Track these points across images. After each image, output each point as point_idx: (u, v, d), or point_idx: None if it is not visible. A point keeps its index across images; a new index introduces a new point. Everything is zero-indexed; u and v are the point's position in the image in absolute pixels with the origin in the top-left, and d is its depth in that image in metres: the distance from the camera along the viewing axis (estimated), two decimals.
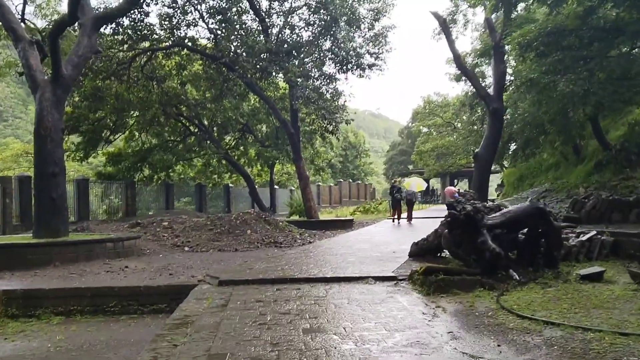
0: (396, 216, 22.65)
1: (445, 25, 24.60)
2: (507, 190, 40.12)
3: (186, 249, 13.81)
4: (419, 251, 10.50)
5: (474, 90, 33.77)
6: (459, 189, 54.92)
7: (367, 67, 22.49)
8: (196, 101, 24.48)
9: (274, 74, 21.51)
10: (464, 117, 40.38)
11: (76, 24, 14.70)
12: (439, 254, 10.35)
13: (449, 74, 36.76)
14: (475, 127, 39.00)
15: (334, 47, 21.26)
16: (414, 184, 25.16)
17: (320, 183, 44.33)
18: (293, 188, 40.43)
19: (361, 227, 20.95)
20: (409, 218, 22.87)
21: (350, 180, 54.61)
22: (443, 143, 41.92)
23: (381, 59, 22.34)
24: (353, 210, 33.29)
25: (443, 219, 9.99)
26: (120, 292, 8.45)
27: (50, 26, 14.53)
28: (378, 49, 22.39)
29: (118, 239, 11.99)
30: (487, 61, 33.65)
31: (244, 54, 19.84)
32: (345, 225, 20.47)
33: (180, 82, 23.01)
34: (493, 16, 27.39)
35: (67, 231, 12.69)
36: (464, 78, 37.75)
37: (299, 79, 19.49)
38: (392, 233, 16.90)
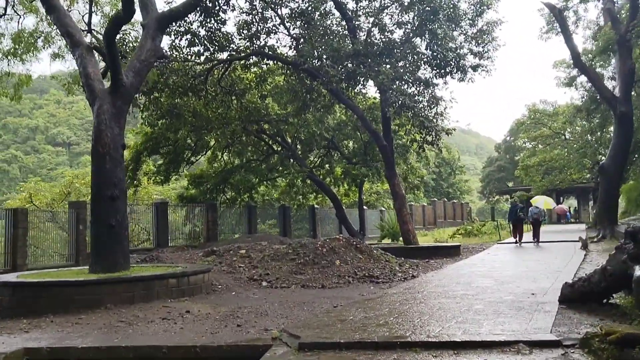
0: (517, 237, 21.19)
1: (561, 17, 21.28)
2: (628, 208, 35.24)
3: (264, 283, 11.53)
4: (576, 295, 7.55)
5: (593, 93, 29.85)
6: (570, 208, 50.07)
7: (470, 69, 19.55)
8: (278, 116, 22.55)
9: (361, 80, 19.08)
10: (578, 127, 36.07)
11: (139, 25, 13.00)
12: (605, 300, 7.39)
13: (558, 78, 32.90)
14: (591, 136, 34.65)
15: (430, 48, 18.54)
16: (541, 201, 23.03)
17: (413, 202, 41.29)
18: (383, 208, 37.68)
19: (470, 254, 17.91)
20: (536, 239, 21.22)
21: (445, 200, 51.03)
22: (552, 156, 37.65)
23: (487, 58, 19.30)
24: (452, 232, 30.05)
25: (615, 251, 7.06)
26: (170, 354, 6.23)
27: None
28: (483, 47, 19.39)
29: (182, 274, 9.89)
30: (601, 63, 29.64)
31: (328, 59, 17.58)
32: (451, 252, 17.53)
33: (260, 95, 21.15)
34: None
35: (128, 264, 10.80)
36: (576, 82, 33.87)
37: (392, 83, 16.93)
38: (515, 264, 13.83)
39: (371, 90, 25.47)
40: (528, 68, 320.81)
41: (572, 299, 7.60)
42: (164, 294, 9.42)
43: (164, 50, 13.86)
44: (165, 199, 22.43)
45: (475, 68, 19.56)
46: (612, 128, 33.06)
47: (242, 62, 19.87)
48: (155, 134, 22.19)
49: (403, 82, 18.31)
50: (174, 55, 18.07)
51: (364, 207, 33.60)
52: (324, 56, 17.48)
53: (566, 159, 36.79)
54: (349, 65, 18.13)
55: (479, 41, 19.39)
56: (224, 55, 19.14)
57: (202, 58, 18.68)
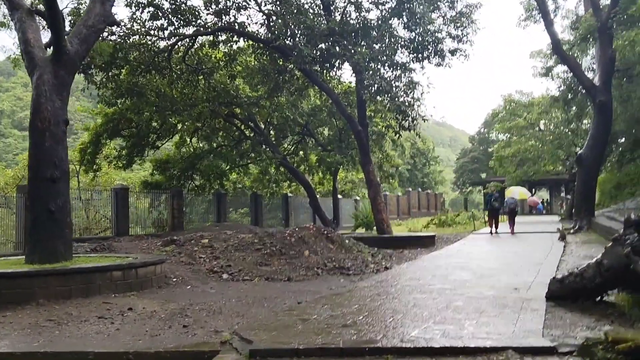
0: (494, 227, 21.25)
1: (542, 1, 20.56)
2: (602, 200, 35.01)
3: (224, 276, 10.56)
4: (566, 292, 6.76)
5: (570, 82, 29.36)
6: (542, 200, 50.03)
7: (448, 53, 18.77)
8: (249, 99, 21.43)
9: (337, 63, 18.15)
10: (553, 117, 35.66)
11: None
12: (599, 298, 6.61)
13: (535, 67, 32.34)
14: (566, 128, 34.30)
15: (408, 28, 17.69)
16: (517, 192, 22.91)
17: (387, 192, 40.61)
18: (358, 198, 36.91)
19: (445, 245, 17.17)
20: (512, 229, 21.19)
21: (420, 190, 50.52)
22: (526, 147, 37.23)
23: (466, 42, 18.54)
24: (426, 222, 29.39)
25: (612, 243, 6.27)
26: None
27: None
28: (461, 30, 18.60)
29: (129, 265, 8.85)
30: (577, 54, 29.14)
31: (302, 38, 16.58)
32: (426, 242, 16.75)
33: (229, 75, 19.99)
34: None
35: (71, 254, 9.72)
36: (552, 73, 33.39)
37: (368, 65, 16.03)
38: (494, 255, 13.09)
39: (346, 74, 24.55)
40: (502, 62, 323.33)
41: (561, 296, 6.82)
42: (107, 288, 8.38)
43: (120, 21, 12.65)
44: (125, 185, 21.18)
45: (453, 52, 18.82)
46: (587, 120, 32.81)
47: (211, 39, 18.69)
48: (117, 115, 20.89)
49: (379, 65, 17.45)
50: (135, 29, 16.83)
51: (339, 196, 32.76)
52: (297, 34, 16.46)
53: (540, 150, 36.38)
54: (324, 46, 17.22)
55: (458, 24, 18.59)
56: (190, 31, 17.93)
57: (166, 33, 17.46)
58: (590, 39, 22.76)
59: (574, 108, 29.32)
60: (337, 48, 16.68)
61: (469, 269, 10.55)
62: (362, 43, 17.20)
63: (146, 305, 7.65)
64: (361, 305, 6.92)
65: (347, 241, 13.32)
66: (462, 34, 18.53)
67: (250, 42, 18.97)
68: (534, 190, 59.10)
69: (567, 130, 34.28)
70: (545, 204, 56.59)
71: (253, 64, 20.13)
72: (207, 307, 7.45)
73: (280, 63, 18.59)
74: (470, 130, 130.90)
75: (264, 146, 24.12)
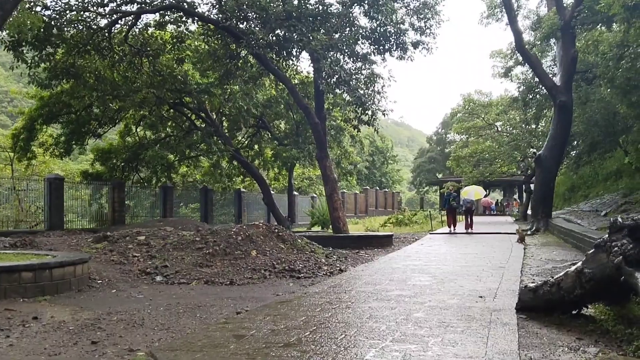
0: (452, 226, 21.51)
1: None
2: (556, 203, 35.13)
3: (158, 278, 9.42)
4: (539, 303, 5.95)
5: (530, 82, 29.15)
6: (497, 200, 50.34)
7: (410, 45, 18.03)
8: (199, 86, 20.15)
9: (293, 51, 17.15)
10: (513, 118, 35.56)
11: None
12: (576, 311, 5.83)
13: (496, 66, 32.15)
14: (524, 129, 34.24)
15: (369, 16, 16.87)
16: (472, 192, 23.71)
17: (345, 190, 39.88)
18: (315, 195, 36.03)
19: (403, 245, 16.41)
20: (469, 227, 21.56)
21: (377, 188, 50.00)
22: (483, 148, 37.07)
23: (429, 34, 17.83)
24: (384, 221, 28.72)
25: (594, 250, 5.50)
26: None
27: None
28: (425, 22, 17.88)
29: (42, 265, 7.62)
30: (538, 54, 29.01)
31: (255, 19, 15.49)
32: (383, 242, 15.94)
33: (176, 59, 18.68)
34: None
35: None
36: (511, 74, 33.25)
37: (326, 52, 15.08)
38: (453, 257, 12.32)
39: (304, 64, 23.54)
40: (461, 64, 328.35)
41: (534, 308, 6.02)
42: (15, 291, 7.15)
43: None
44: (59, 175, 19.59)
45: (416, 45, 18.11)
46: (543, 122, 32.81)
47: (157, 18, 17.34)
48: (53, 98, 19.29)
49: (339, 54, 16.55)
50: (72, 4, 15.38)
51: (295, 192, 31.79)
52: (251, 16, 15.36)
53: (497, 151, 36.29)
54: (280, 32, 16.20)
55: (421, 15, 17.87)
56: (134, 8, 16.53)
57: (107, 9, 16.04)
58: (552, 39, 22.47)
59: (533, 109, 29.14)
60: (295, 35, 15.69)
61: (429, 272, 9.73)
62: (321, 30, 16.25)
63: (56, 314, 6.47)
64: (309, 317, 5.95)
65: (299, 240, 12.32)
66: (425, 25, 17.84)
67: (201, 24, 17.67)
68: (488, 190, 59.55)
69: (524, 131, 34.23)
70: (499, 205, 57.08)
71: (203, 47, 18.88)
72: (127, 317, 6.33)
73: (233, 48, 17.45)
74: (427, 131, 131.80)
75: (215, 138, 22.91)
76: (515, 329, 5.33)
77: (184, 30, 18.64)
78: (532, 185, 38.22)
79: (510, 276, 9.05)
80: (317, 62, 15.55)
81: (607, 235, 5.32)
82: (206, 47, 18.71)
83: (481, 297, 7.16)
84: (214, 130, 22.60)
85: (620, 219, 5.25)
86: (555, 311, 5.82)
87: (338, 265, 10.98)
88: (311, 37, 15.04)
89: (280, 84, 20.81)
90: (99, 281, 8.85)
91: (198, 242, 11.15)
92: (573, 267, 5.64)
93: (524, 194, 47.36)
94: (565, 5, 21.00)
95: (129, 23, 17.23)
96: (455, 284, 8.27)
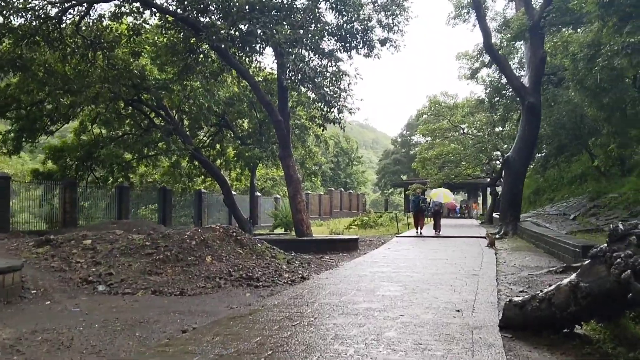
0: (419, 227, 21.43)
1: None
2: (521, 206, 35.22)
3: (100, 287, 8.49)
4: (526, 321, 5.31)
5: (497, 84, 28.97)
6: (462, 203, 50.28)
7: (377, 42, 17.42)
8: (157, 82, 19.11)
9: (257, 47, 16.34)
10: (479, 120, 35.41)
11: None
12: (568, 329, 5.18)
13: (462, 67, 31.92)
14: (490, 131, 34.13)
15: (335, 9, 16.19)
16: (441, 194, 23.21)
17: (309, 191, 39.17)
18: (279, 196, 35.19)
19: (369, 249, 15.74)
20: (437, 229, 21.51)
21: (342, 190, 49.42)
22: (449, 150, 36.85)
23: (397, 31, 17.26)
24: (348, 223, 28.05)
25: (591, 261, 4.87)
26: None
27: None
28: (393, 19, 17.30)
29: None
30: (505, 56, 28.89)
31: (217, 11, 14.62)
32: (349, 246, 15.23)
33: (132, 52, 17.59)
34: None
35: None
36: (477, 76, 33.10)
37: (290, 47, 14.31)
38: (423, 263, 11.67)
39: (268, 60, 22.69)
40: (425, 67, 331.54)
41: (520, 325, 5.38)
42: None
43: None
44: (5, 173, 18.29)
45: (383, 42, 17.53)
46: (508, 126, 32.75)
47: (112, 9, 16.28)
48: (0, 92, 17.99)
49: (304, 49, 15.80)
50: None
51: (258, 193, 30.90)
52: (212, 8, 14.48)
53: (462, 153, 36.12)
54: (243, 27, 15.37)
55: (389, 12, 17.27)
56: None
57: None
58: (519, 42, 22.22)
59: (499, 111, 28.96)
60: (258, 28, 14.87)
61: (399, 280, 9.05)
62: (285, 25, 15.47)
63: None
64: (265, 337, 5.17)
65: (259, 245, 11.50)
66: (393, 22, 17.27)
67: (159, 15, 16.65)
68: (453, 193, 59.70)
69: (490, 133, 34.12)
70: (463, 208, 57.29)
71: (161, 40, 17.86)
72: (54, 337, 5.43)
73: (193, 42, 16.52)
74: (392, 133, 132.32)
75: (175, 136, 21.87)
76: (502, 351, 4.68)
77: (141, 22, 17.59)
78: (497, 188, 38.29)
79: (486, 285, 8.44)
80: (281, 57, 14.77)
81: (605, 245, 4.69)
82: (164, 40, 17.71)
83: (458, 310, 6.51)
84: (174, 128, 21.57)
85: (621, 226, 4.63)
86: (544, 329, 5.18)
87: (300, 272, 10.21)
88: (275, 31, 14.24)
89: (243, 80, 19.97)
90: (33, 291, 7.88)
91: (148, 246, 10.23)
92: (566, 280, 5.00)
93: (489, 197, 47.51)
94: (534, 6, 20.77)
95: (81, 13, 16.10)
96: (429, 295, 7.60)
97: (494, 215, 32.60)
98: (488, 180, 42.04)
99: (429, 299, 7.32)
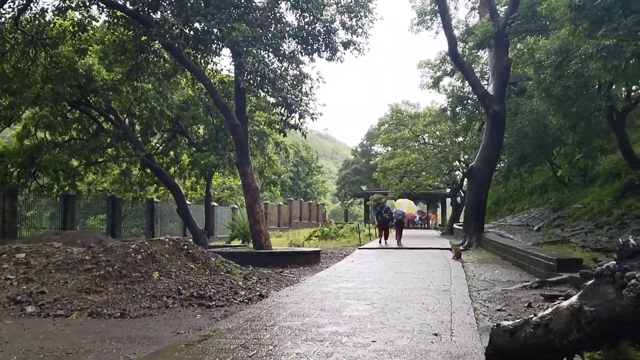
0: (383, 237, 21.42)
1: None
2: None
3: (30, 309, 7.41)
4: (519, 349, 4.60)
5: (460, 93, 28.79)
6: (422, 214, 50.13)
7: (340, 45, 16.80)
8: (105, 82, 17.94)
9: (213, 46, 15.49)
10: (440, 130, 35.22)
11: None
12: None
13: (425, 75, 31.69)
14: (452, 141, 33.98)
15: (297, 9, 15.51)
16: (405, 205, 23.15)
17: (268, 201, 38.20)
18: (236, 206, 34.10)
19: (332, 262, 14.96)
20: (399, 239, 21.40)
21: (302, 200, 48.60)
22: (410, 160, 36.52)
23: (361, 34, 16.68)
24: (308, 234, 27.26)
25: (594, 281, 4.20)
26: None
27: None
28: (356, 21, 16.70)
29: None
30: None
31: (170, 7, 13.68)
32: (310, 259, 14.41)
33: (77, 49, 16.40)
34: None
35: None
36: (439, 85, 32.95)
37: (248, 46, 13.48)
38: (389, 277, 10.93)
39: (225, 62, 21.75)
40: (385, 78, 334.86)
41: (510, 353, 4.65)
42: None
43: None
44: None
45: (346, 45, 16.90)
46: (470, 134, 32.65)
47: (57, 2, 15.02)
48: None
49: (263, 50, 15.00)
50: None
51: (214, 203, 29.76)
52: (164, 2, 13.52)
53: (423, 163, 35.85)
54: (198, 25, 14.48)
55: (353, 13, 16.66)
56: None
57: None
58: (482, 50, 21.99)
59: (462, 120, 28.75)
60: (215, 29, 14.01)
61: (366, 298, 8.28)
62: (243, 24, 14.64)
63: None
64: None
65: (213, 259, 10.56)
66: (357, 24, 16.66)
67: (107, 10, 15.51)
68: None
69: (452, 143, 33.95)
70: (422, 218, 57.30)
71: (110, 37, 16.73)
72: None
73: (144, 40, 15.50)
74: (351, 144, 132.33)
75: (125, 142, 20.68)
76: None
77: (88, 18, 16.45)
78: (458, 198, 38.18)
79: (460, 303, 7.76)
80: (239, 57, 13.90)
81: (614, 262, 4.01)
82: (113, 37, 16.61)
83: (436, 334, 5.77)
84: (124, 133, 20.38)
85: (633, 241, 3.96)
86: (539, 359, 4.47)
87: (258, 289, 9.32)
88: (232, 29, 13.38)
89: (198, 83, 19.00)
90: None
91: (87, 261, 9.16)
92: (565, 303, 4.28)
93: (448, 208, 47.49)
94: (499, 12, 20.54)
95: (21, 6, 14.88)
96: (400, 315, 6.85)
97: (455, 225, 32.38)
98: (448, 190, 41.98)
99: (401, 319, 6.57)
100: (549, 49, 14.71)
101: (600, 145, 17.49)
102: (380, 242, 21.19)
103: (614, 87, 16.90)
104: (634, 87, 16.93)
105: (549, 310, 4.40)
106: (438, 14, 26.47)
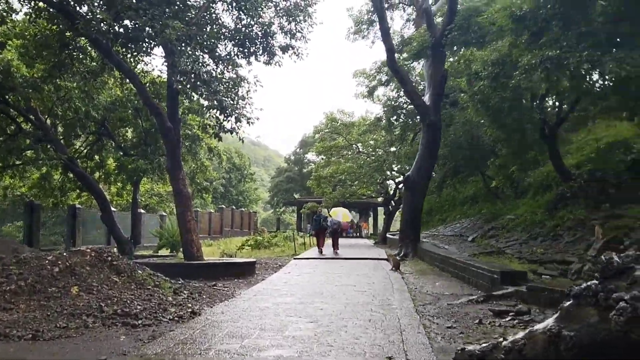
0: (321, 246, 21.34)
1: (381, 6, 19.13)
2: None
3: None
4: None
5: (395, 102, 28.88)
6: (357, 223, 50.09)
7: (278, 49, 16.29)
8: (25, 79, 16.56)
9: (145, 46, 14.59)
10: (374, 139, 35.27)
11: None
12: None
13: (361, 84, 31.65)
14: (381, 151, 34.12)
15: (236, 9, 14.89)
16: (340, 213, 23.33)
17: (199, 208, 37.00)
18: (165, 213, 32.73)
19: (267, 273, 14.31)
20: (335, 247, 21.53)
21: (234, 207, 47.49)
22: (344, 168, 36.35)
23: (301, 38, 16.25)
24: (241, 243, 26.41)
25: (572, 301, 3.84)
26: None
27: None
28: (295, 24, 16.25)
29: None
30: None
31: (99, 2, 12.71)
32: (245, 270, 13.68)
33: None
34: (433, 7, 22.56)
35: None
36: (375, 94, 33.02)
37: (182, 45, 12.72)
38: (328, 289, 10.42)
39: (157, 62, 20.71)
40: (318, 87, 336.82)
41: None
42: None
43: None
44: None
45: (285, 49, 16.41)
46: (404, 144, 32.89)
47: None
48: None
49: (198, 50, 14.25)
50: None
51: (141, 210, 28.34)
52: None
53: (358, 172, 35.78)
54: (129, 23, 13.56)
55: (292, 17, 16.20)
56: None
57: None
58: (417, 61, 22.08)
59: (397, 130, 28.85)
60: (147, 27, 13.13)
61: (308, 314, 7.74)
62: (177, 22, 13.83)
63: None
64: None
65: (140, 272, 9.71)
66: (295, 28, 16.21)
67: (29, 1, 14.26)
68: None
69: (387, 153, 34.09)
70: (354, 227, 57.52)
71: (30, 32, 15.43)
72: None
73: (69, 35, 14.37)
74: (284, 152, 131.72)
75: (45, 144, 19.23)
76: None
77: (7, 9, 15.15)
78: (390, 207, 38.36)
79: (408, 320, 7.35)
80: (172, 56, 13.09)
81: (595, 282, 3.67)
82: (35, 31, 15.33)
83: (390, 358, 5.30)
84: (44, 134, 18.92)
85: (617, 258, 3.63)
86: None
87: (190, 305, 8.57)
88: (166, 25, 12.55)
89: (128, 83, 17.94)
90: None
91: None
92: (540, 326, 3.91)
93: (380, 217, 47.73)
94: (436, 24, 20.67)
95: None
96: (348, 334, 6.35)
97: (388, 235, 32.44)
98: (380, 199, 42.17)
99: (349, 340, 6.06)
100: (486, 60, 14.77)
101: (534, 157, 17.79)
102: (320, 252, 21.04)
103: (546, 99, 17.25)
104: (564, 104, 17.33)
105: (521, 334, 4.01)
106: (375, 24, 26.62)
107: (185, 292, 9.60)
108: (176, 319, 7.58)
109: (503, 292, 8.71)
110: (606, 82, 10.59)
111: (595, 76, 11.01)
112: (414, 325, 6.98)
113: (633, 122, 13.75)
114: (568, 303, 3.85)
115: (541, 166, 20.52)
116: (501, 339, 4.25)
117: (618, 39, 8.94)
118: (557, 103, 16.96)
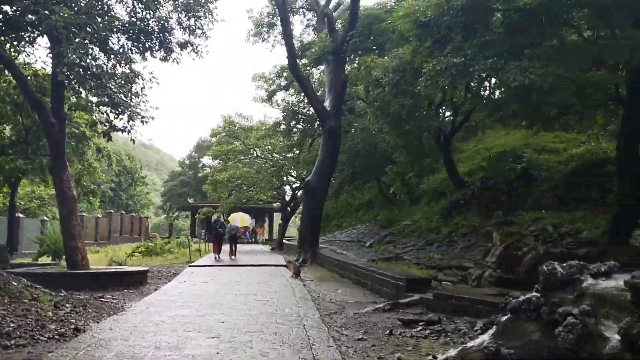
0: (218, 253, 20.91)
1: (284, 7, 18.82)
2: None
3: None
4: None
5: (295, 108, 28.68)
6: (253, 228, 49.39)
7: (176, 46, 15.48)
8: None
9: (28, 35, 13.26)
10: (272, 144, 34.83)
11: None
12: None
13: (260, 88, 31.18)
14: (280, 156, 33.86)
15: (126, 12, 13.98)
16: (238, 219, 22.97)
17: (85, 213, 34.64)
18: (47, 218, 30.24)
19: (161, 282, 13.42)
20: (233, 253, 21.52)
21: (123, 212, 45.07)
22: (241, 173, 35.60)
23: (200, 36, 15.55)
24: (132, 250, 24.89)
25: (509, 314, 3.64)
26: None
27: None
28: (195, 21, 15.53)
29: None
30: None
31: None
32: (135, 280, 12.69)
33: None
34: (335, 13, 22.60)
35: None
36: (274, 99, 32.70)
37: (70, 34, 11.60)
38: (228, 299, 9.82)
39: (40, 53, 19.04)
40: (214, 90, 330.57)
41: None
42: None
43: None
44: None
45: (183, 46, 15.60)
46: (303, 149, 32.84)
47: None
48: None
49: (87, 41, 13.11)
50: None
51: (20, 214, 25.97)
52: None
53: (255, 177, 35.20)
54: (9, 10, 12.25)
55: (191, 12, 15.46)
56: None
57: None
58: (322, 63, 22.04)
59: (296, 135, 28.68)
60: (30, 14, 11.89)
61: (209, 328, 7.16)
62: (65, 9, 12.66)
63: None
64: None
65: (15, 283, 8.60)
66: (195, 24, 15.48)
67: None
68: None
69: (285, 158, 33.83)
70: (251, 232, 56.79)
71: None
72: None
73: None
74: (178, 156, 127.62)
75: None
76: None
77: None
78: (286, 213, 38.13)
79: (317, 332, 7.00)
80: (58, 44, 11.92)
81: (536, 294, 3.48)
82: None
83: None
84: None
85: (560, 269, 3.46)
86: None
87: (73, 320, 7.67)
88: (51, 11, 11.41)
89: (6, 75, 16.29)
90: None
91: None
92: (475, 343, 3.68)
93: (276, 222, 47.40)
94: (337, 30, 20.72)
95: None
96: (254, 351, 5.87)
97: (284, 241, 32.17)
98: (275, 205, 41.85)
99: (256, 358, 5.60)
100: (387, 67, 14.89)
101: (430, 164, 18.30)
102: (215, 258, 20.51)
103: (442, 109, 17.75)
104: (459, 113, 17.94)
105: (453, 352, 3.77)
106: (275, 27, 26.34)
107: (67, 305, 8.61)
108: (56, 337, 6.71)
109: (409, 300, 8.62)
110: (506, 92, 10.94)
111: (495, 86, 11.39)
112: (323, 338, 6.63)
113: (531, 130, 14.43)
114: (505, 317, 3.64)
115: (436, 173, 21.20)
116: (430, 357, 3.99)
117: (518, 50, 9.24)
118: (451, 113, 17.53)
